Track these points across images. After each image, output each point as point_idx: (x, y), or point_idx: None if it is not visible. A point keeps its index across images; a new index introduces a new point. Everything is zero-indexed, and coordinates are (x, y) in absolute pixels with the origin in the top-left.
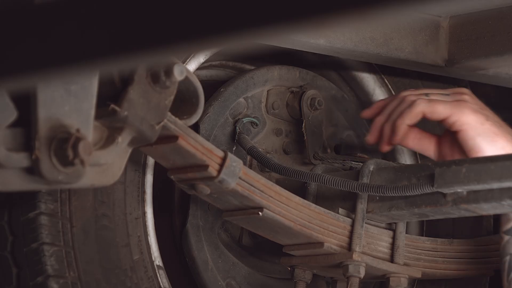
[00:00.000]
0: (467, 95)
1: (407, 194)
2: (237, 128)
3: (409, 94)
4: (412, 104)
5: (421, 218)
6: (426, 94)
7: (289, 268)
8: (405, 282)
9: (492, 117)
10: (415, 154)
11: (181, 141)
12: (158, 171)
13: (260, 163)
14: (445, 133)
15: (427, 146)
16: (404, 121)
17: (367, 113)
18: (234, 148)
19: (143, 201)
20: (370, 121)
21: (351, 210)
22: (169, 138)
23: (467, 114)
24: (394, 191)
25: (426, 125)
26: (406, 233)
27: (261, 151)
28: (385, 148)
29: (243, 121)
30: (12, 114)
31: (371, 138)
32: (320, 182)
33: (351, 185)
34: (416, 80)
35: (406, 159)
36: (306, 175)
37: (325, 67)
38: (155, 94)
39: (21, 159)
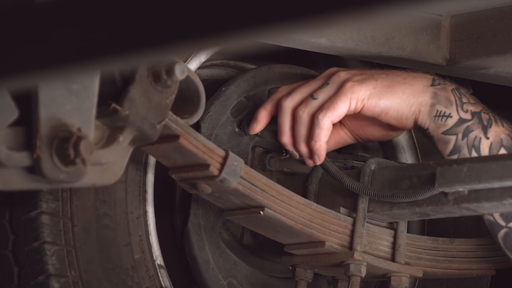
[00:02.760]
0: (341, 71)
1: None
2: (243, 126)
3: (297, 107)
4: (317, 123)
5: (422, 217)
6: (312, 96)
7: (290, 267)
8: (406, 281)
9: (375, 75)
10: (416, 153)
11: (182, 140)
12: (159, 170)
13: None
14: (344, 118)
15: (341, 137)
16: (322, 143)
17: (256, 128)
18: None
19: (144, 200)
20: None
21: (352, 209)
22: (170, 137)
23: (357, 91)
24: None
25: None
26: (407, 232)
27: None
28: (310, 163)
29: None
30: (13, 113)
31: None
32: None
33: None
34: None
35: (407, 158)
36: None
37: (326, 66)
38: (156, 93)
39: (22, 158)
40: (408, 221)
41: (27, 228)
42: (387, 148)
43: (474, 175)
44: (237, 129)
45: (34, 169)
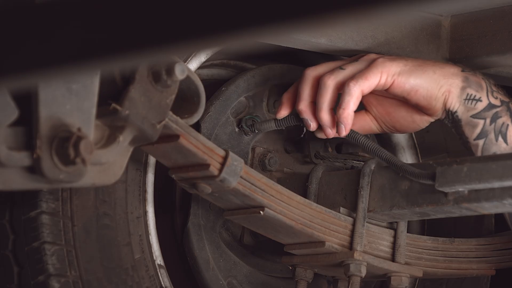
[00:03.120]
0: (372, 54)
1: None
2: (243, 125)
3: (323, 75)
4: (347, 90)
5: (422, 217)
6: (340, 67)
7: (290, 267)
8: (406, 281)
9: (407, 57)
10: (416, 153)
11: (182, 140)
12: (159, 170)
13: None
14: (369, 103)
15: (366, 123)
16: (350, 111)
17: (282, 112)
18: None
19: (144, 200)
20: None
21: (352, 209)
22: (170, 137)
23: (388, 66)
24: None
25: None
26: (407, 232)
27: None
28: (331, 134)
29: (246, 118)
30: (13, 113)
31: (314, 125)
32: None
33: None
34: None
35: (407, 158)
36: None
37: None
38: (157, 93)
39: (23, 158)
40: (408, 221)
41: (27, 228)
42: (387, 148)
43: (474, 175)
44: (237, 129)
45: (34, 169)
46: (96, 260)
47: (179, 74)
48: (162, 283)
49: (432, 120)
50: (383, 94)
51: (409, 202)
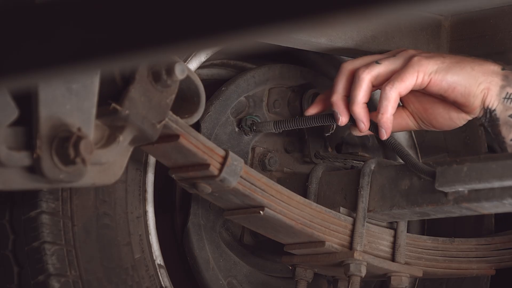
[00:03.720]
0: (409, 49)
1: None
2: (243, 125)
3: (358, 69)
4: (384, 94)
5: (422, 217)
6: (376, 61)
7: (290, 267)
8: (406, 281)
9: (444, 54)
10: (416, 153)
11: (182, 140)
12: (159, 170)
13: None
14: (406, 99)
15: (403, 120)
16: (389, 115)
17: (309, 111)
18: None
19: (144, 200)
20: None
21: (352, 209)
22: (170, 137)
23: (425, 64)
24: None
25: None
26: (407, 232)
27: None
28: (363, 129)
29: (246, 118)
30: (13, 113)
31: (343, 119)
32: None
33: None
34: None
35: None
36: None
37: (326, 65)
38: (157, 93)
39: (23, 158)
40: (408, 221)
41: (27, 228)
42: (387, 148)
43: (474, 175)
44: (237, 129)
45: (34, 169)
46: (96, 260)
47: (179, 74)
48: (162, 283)
49: (469, 118)
50: (421, 90)
51: (409, 202)
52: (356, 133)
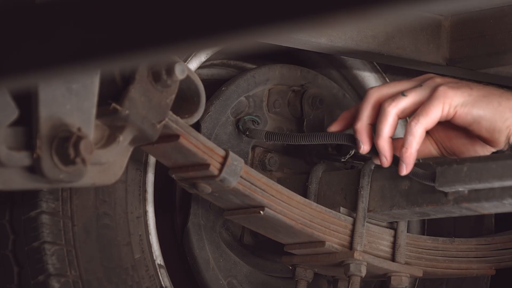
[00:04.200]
0: (436, 77)
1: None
2: (240, 126)
3: (384, 101)
4: (409, 130)
5: (422, 217)
6: (402, 93)
7: (290, 267)
8: (406, 281)
9: (472, 85)
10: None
11: (182, 140)
12: (159, 170)
13: (281, 140)
14: (432, 128)
15: (426, 147)
16: (413, 150)
17: (332, 127)
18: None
19: (144, 200)
20: None
21: (352, 209)
22: (170, 137)
23: (451, 96)
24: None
25: None
26: (407, 232)
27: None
28: (385, 164)
29: (244, 119)
30: (13, 113)
31: (365, 148)
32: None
33: None
34: None
35: None
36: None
37: (326, 66)
38: (157, 93)
39: (22, 158)
40: (408, 221)
41: (27, 228)
42: None
43: (474, 175)
44: (237, 129)
45: (34, 169)
46: (96, 260)
47: (179, 74)
48: (162, 283)
49: (493, 150)
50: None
51: (409, 202)
52: (377, 162)
